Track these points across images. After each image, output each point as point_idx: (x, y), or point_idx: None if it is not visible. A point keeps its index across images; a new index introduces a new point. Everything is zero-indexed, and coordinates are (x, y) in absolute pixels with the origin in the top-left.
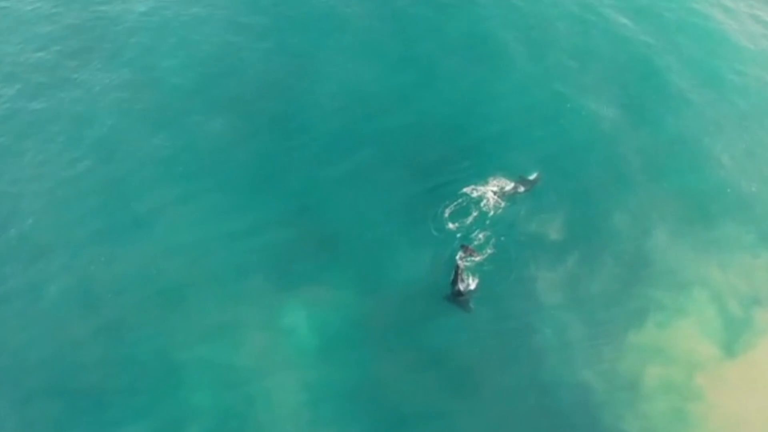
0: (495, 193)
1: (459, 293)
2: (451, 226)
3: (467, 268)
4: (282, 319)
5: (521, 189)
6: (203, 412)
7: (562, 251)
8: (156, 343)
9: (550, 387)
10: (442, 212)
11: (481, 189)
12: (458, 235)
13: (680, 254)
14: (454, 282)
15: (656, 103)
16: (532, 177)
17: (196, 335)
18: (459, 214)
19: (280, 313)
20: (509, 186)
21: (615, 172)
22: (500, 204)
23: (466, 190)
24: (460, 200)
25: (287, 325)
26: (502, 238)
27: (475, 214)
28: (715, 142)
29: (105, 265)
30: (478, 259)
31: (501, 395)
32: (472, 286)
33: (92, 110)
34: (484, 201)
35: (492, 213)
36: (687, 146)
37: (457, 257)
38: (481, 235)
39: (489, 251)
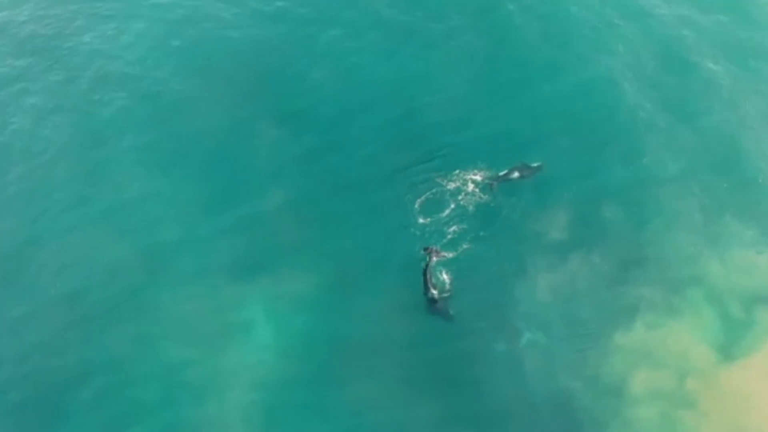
0: (490, 179)
1: (433, 300)
2: (422, 220)
3: (439, 266)
4: (241, 314)
5: (517, 175)
6: (151, 409)
7: (545, 246)
8: (106, 337)
9: (528, 391)
10: (417, 205)
11: (461, 180)
12: (428, 230)
13: (677, 250)
14: (426, 290)
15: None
16: (535, 165)
17: (148, 329)
18: (434, 206)
19: (239, 308)
20: (506, 172)
21: (606, 161)
22: (482, 197)
23: (442, 181)
24: (435, 191)
25: (246, 320)
26: (481, 233)
27: (452, 206)
28: (717, 128)
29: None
30: (449, 256)
31: (472, 399)
32: (448, 286)
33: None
34: (463, 193)
35: (471, 206)
36: (684, 132)
37: (424, 265)
38: (456, 228)
39: (465, 246)
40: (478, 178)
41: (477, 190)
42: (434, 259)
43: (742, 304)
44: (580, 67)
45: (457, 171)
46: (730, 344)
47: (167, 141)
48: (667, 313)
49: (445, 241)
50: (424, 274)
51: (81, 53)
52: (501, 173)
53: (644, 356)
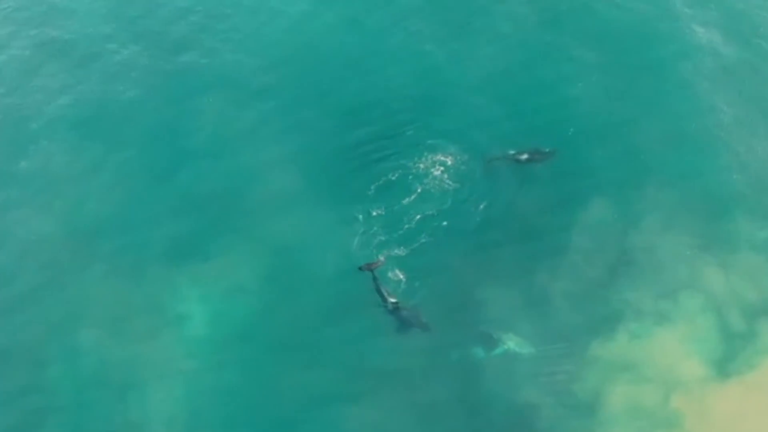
0: (493, 156)
1: (395, 306)
2: (377, 211)
3: (391, 265)
4: (172, 304)
5: (526, 157)
6: (66, 407)
7: (518, 242)
8: (18, 321)
9: (486, 405)
10: (374, 190)
11: (427, 162)
12: (378, 222)
13: (672, 251)
14: (384, 300)
15: (649, 69)
16: (547, 150)
17: (67, 316)
18: (393, 192)
19: (171, 297)
20: (514, 153)
21: (596, 150)
22: (450, 183)
23: (406, 163)
24: (396, 175)
25: (177, 310)
26: (444, 223)
27: (418, 191)
28: (722, 118)
29: None
30: (401, 253)
31: (421, 412)
32: (403, 284)
33: None
34: (429, 178)
35: (437, 192)
36: (686, 121)
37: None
38: (419, 217)
39: (423, 240)
40: (449, 161)
41: (446, 176)
42: (376, 266)
43: (743, 315)
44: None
45: (426, 153)
46: (726, 359)
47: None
48: (655, 321)
49: (401, 232)
50: (375, 287)
51: None
52: (510, 152)
53: (625, 369)
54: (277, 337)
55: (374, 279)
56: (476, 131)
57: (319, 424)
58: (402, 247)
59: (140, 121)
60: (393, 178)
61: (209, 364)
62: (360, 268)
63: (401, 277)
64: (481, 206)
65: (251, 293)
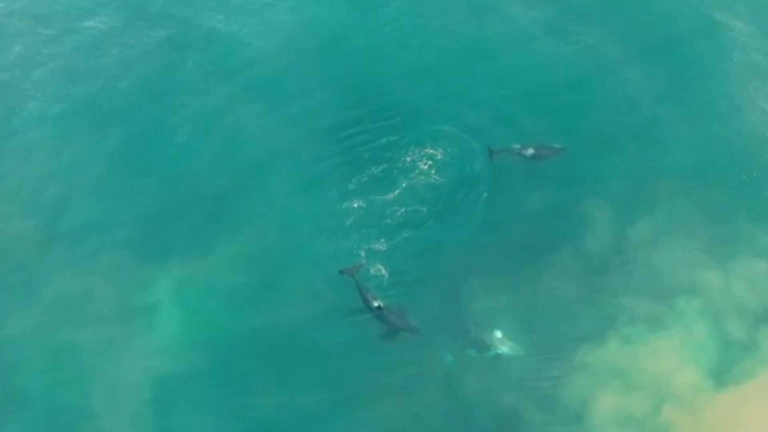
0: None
1: (380, 309)
2: (357, 204)
3: (373, 260)
4: (144, 298)
5: (531, 152)
6: (31, 401)
7: (507, 240)
8: None
9: (468, 411)
10: (358, 183)
11: (414, 155)
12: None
13: (670, 254)
14: (367, 303)
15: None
16: (556, 146)
17: (36, 311)
18: (377, 186)
19: (143, 291)
20: (520, 147)
21: (591, 143)
22: (437, 179)
23: (392, 155)
24: (381, 168)
25: (150, 305)
26: (431, 222)
27: (403, 185)
28: (730, 112)
29: None
30: (382, 248)
31: (404, 419)
32: (386, 278)
33: None
34: (416, 171)
35: (423, 188)
36: (689, 121)
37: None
38: (403, 210)
39: (405, 234)
40: (438, 155)
41: (433, 171)
42: (356, 270)
43: (743, 322)
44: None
45: (413, 146)
46: (722, 369)
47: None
48: (649, 327)
49: (383, 226)
50: (358, 290)
51: None
52: (515, 146)
53: (615, 376)
54: (251, 340)
55: (356, 283)
56: (468, 124)
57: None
58: (383, 242)
59: (121, 110)
60: (377, 171)
61: (178, 366)
62: (341, 272)
63: (384, 272)
64: (471, 203)
65: (227, 291)
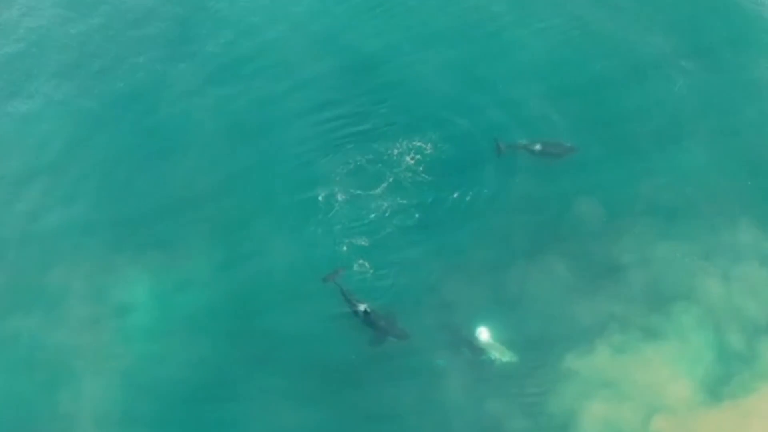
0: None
1: (367, 313)
2: (341, 196)
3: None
4: (116, 291)
5: (539, 148)
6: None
7: (495, 241)
8: None
9: (447, 418)
10: (341, 174)
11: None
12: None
13: (668, 259)
14: (353, 308)
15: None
16: (567, 144)
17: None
18: (361, 178)
19: (115, 283)
20: (527, 143)
21: (586, 138)
22: (424, 175)
23: (378, 147)
24: (365, 160)
25: (122, 299)
26: (417, 215)
27: (390, 179)
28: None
29: None
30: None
31: (377, 421)
32: (370, 273)
33: None
34: (402, 166)
35: (408, 183)
36: (692, 121)
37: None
38: (386, 205)
39: (388, 230)
40: (428, 149)
41: (420, 168)
42: (338, 275)
43: (743, 333)
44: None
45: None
46: (719, 382)
47: None
48: (642, 335)
49: (366, 221)
50: (343, 295)
51: None
52: (522, 141)
53: (604, 386)
54: (225, 332)
55: (340, 288)
56: (461, 117)
57: (262, 424)
58: (365, 238)
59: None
60: (362, 162)
61: (150, 358)
62: (324, 280)
63: (367, 266)
64: (460, 200)
65: (205, 286)
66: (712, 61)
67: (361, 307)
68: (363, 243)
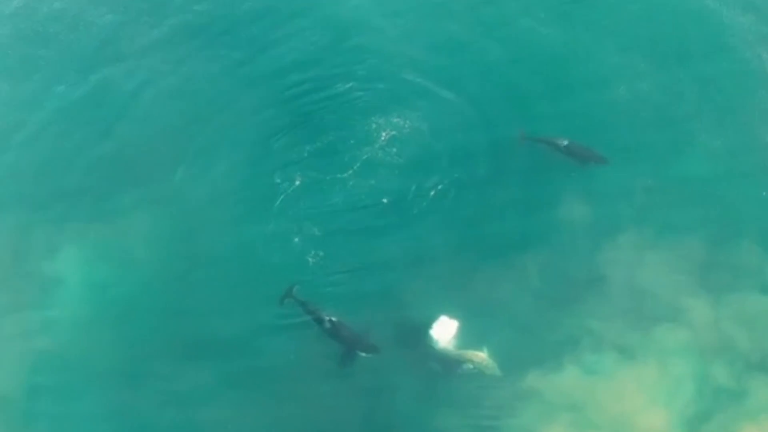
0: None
1: (333, 324)
2: (300, 179)
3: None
4: (49, 262)
5: (566, 143)
6: None
7: (463, 243)
8: None
9: (392, 428)
10: (306, 153)
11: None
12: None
13: (654, 275)
14: (318, 319)
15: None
16: (597, 152)
17: None
18: (327, 158)
19: (49, 253)
20: (552, 138)
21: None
22: (397, 157)
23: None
24: (334, 137)
25: (54, 271)
26: (385, 200)
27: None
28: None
29: None
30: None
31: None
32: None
33: None
34: (376, 145)
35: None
36: (696, 122)
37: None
38: (355, 192)
39: (351, 224)
40: (407, 127)
41: (394, 150)
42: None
43: (732, 367)
44: None
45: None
46: (699, 418)
47: None
48: (617, 356)
49: (327, 208)
50: (304, 308)
51: None
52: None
53: (568, 409)
54: (160, 320)
55: (300, 302)
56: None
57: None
58: (320, 227)
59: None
60: (330, 140)
61: (79, 339)
62: (280, 303)
63: (320, 254)
64: (435, 192)
65: (146, 264)
66: None
67: (327, 317)
68: (316, 232)
